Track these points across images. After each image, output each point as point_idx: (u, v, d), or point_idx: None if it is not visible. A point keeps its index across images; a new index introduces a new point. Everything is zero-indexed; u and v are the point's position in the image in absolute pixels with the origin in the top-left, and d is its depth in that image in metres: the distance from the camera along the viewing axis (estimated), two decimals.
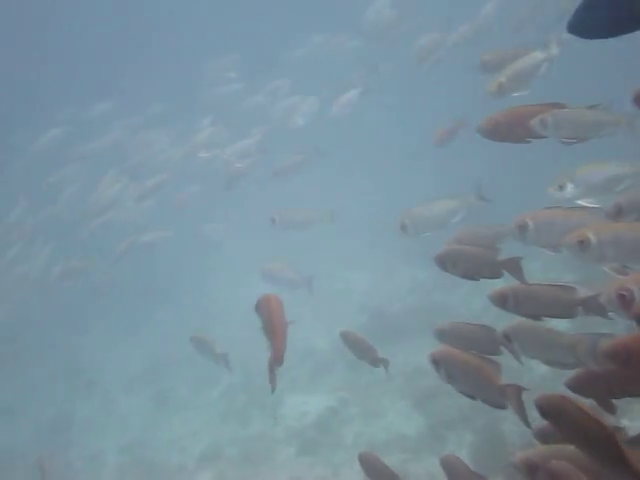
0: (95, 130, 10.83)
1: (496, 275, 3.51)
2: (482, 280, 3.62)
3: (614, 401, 2.69)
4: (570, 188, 3.74)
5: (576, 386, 2.72)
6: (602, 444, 2.22)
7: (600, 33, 2.28)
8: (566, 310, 3.15)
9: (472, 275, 3.61)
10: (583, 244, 2.92)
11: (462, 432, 6.50)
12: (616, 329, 2.98)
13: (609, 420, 2.45)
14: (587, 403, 2.39)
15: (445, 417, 6.80)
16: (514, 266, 3.48)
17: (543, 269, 8.40)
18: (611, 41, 2.37)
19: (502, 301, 3.30)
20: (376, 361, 4.66)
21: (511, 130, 3.55)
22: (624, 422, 4.65)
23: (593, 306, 3.01)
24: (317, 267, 11.68)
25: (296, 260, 7.17)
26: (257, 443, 7.57)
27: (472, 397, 3.18)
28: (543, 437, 2.79)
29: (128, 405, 9.68)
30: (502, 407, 3.07)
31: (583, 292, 3.08)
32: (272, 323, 3.19)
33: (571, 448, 2.44)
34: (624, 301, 2.56)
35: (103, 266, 9.57)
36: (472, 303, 8.73)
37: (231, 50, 12.29)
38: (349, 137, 12.26)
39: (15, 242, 9.82)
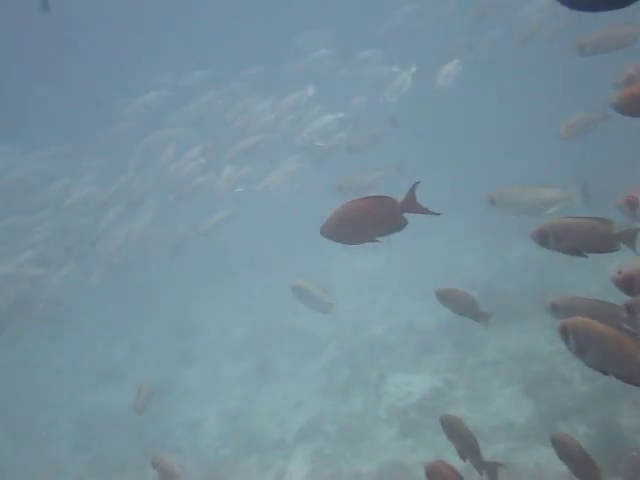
0: (193, 96, 10.87)
1: (611, 248, 3.27)
2: (599, 259, 3.41)
3: None
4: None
5: None
6: None
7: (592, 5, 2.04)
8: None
9: (580, 250, 3.38)
10: None
11: (575, 424, 6.22)
12: None
13: None
14: None
15: (557, 406, 6.53)
16: (631, 237, 3.25)
17: None
18: None
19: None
20: (478, 315, 4.42)
21: None
22: None
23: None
24: (425, 243, 11.63)
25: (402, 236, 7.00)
26: (358, 421, 7.52)
27: (605, 372, 2.92)
28: None
29: (230, 373, 9.83)
30: None
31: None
32: None
33: None
34: None
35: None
36: (590, 284, 8.34)
37: (324, 24, 12.27)
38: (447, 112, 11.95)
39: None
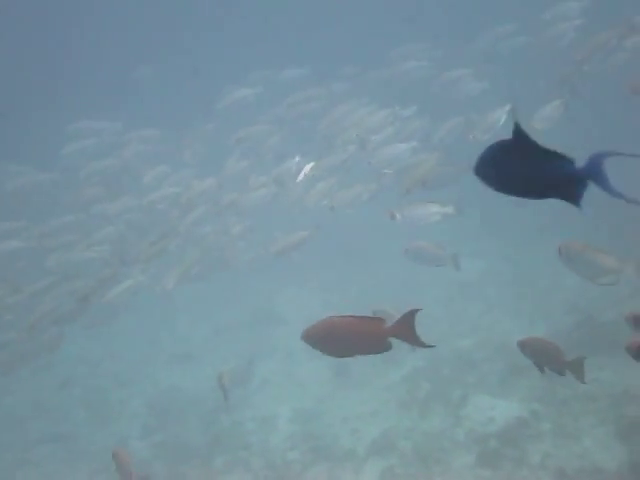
0: (287, 93, 10.67)
1: None
2: None
3: None
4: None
5: None
6: None
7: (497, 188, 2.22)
8: None
9: None
10: None
11: None
12: None
13: None
14: None
15: None
16: None
17: None
18: None
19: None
20: (564, 367, 4.16)
21: None
22: None
23: None
24: (526, 255, 11.19)
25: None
26: (434, 441, 7.27)
27: None
28: None
29: (309, 370, 9.72)
30: None
31: None
32: None
33: None
34: None
35: None
36: None
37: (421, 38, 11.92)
38: None
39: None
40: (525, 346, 4.24)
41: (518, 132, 2.11)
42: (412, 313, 3.36)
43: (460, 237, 12.66)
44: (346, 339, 3.46)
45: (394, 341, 9.25)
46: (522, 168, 2.10)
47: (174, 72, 16.02)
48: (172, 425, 8.83)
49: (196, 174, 9.65)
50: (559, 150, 2.10)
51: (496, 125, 7.69)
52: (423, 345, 3.43)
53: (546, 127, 7.70)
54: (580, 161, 2.13)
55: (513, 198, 2.25)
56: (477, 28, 11.59)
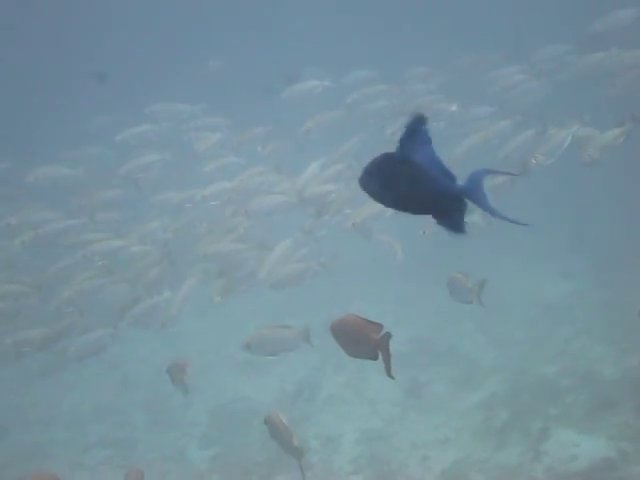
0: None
1: None
2: None
3: None
4: None
5: None
6: None
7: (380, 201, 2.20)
8: None
9: None
10: None
11: None
12: None
13: None
14: None
15: None
16: None
17: None
18: None
19: None
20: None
21: None
22: None
23: None
24: (616, 281, 10.57)
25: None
26: (510, 477, 6.82)
27: None
28: None
29: (379, 388, 9.35)
30: None
31: None
32: None
33: None
34: None
35: None
36: None
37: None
38: None
39: None
40: None
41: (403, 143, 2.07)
42: (386, 336, 3.56)
43: (546, 254, 12.14)
44: (351, 338, 3.71)
45: (472, 361, 8.81)
46: (403, 182, 2.08)
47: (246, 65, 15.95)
48: (233, 437, 8.61)
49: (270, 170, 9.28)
50: (443, 165, 2.07)
51: (560, 148, 7.17)
52: (388, 371, 3.60)
53: (603, 157, 7.16)
54: None
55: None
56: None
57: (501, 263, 11.83)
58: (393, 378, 3.59)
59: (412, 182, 2.07)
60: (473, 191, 2.04)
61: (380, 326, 3.61)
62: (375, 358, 3.62)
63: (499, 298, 10.33)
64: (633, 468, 6.52)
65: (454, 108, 9.59)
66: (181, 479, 7.95)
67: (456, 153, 8.09)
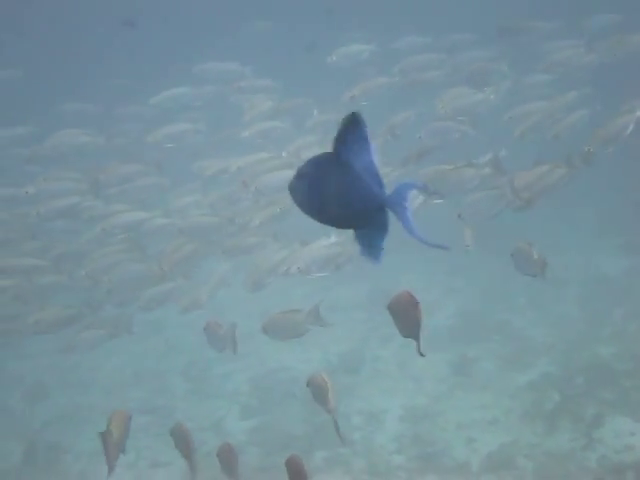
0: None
1: None
2: None
3: None
4: None
5: None
6: None
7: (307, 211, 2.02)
8: None
9: None
10: None
11: None
12: None
13: None
14: None
15: None
16: None
17: None
18: None
19: None
20: None
21: None
22: None
23: None
24: None
25: None
26: (559, 465, 6.54)
27: None
28: None
29: (426, 363, 9.06)
30: None
31: None
32: None
33: None
34: None
35: None
36: None
37: None
38: None
39: None
40: None
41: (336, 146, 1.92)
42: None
43: (606, 228, 11.70)
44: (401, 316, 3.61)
45: (524, 338, 8.49)
46: (333, 186, 1.94)
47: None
48: (273, 409, 8.46)
49: (319, 141, 8.83)
50: (376, 171, 1.93)
51: (623, 133, 6.60)
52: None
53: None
54: None
55: None
56: None
57: (558, 235, 11.41)
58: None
59: (342, 185, 1.93)
60: (396, 202, 1.92)
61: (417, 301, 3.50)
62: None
63: (554, 272, 9.97)
64: None
65: (505, 68, 9.10)
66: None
67: (521, 128, 7.67)
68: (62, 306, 7.18)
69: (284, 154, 7.96)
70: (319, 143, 8.12)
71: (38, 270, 7.27)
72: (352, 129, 1.90)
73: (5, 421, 8.89)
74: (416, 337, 3.49)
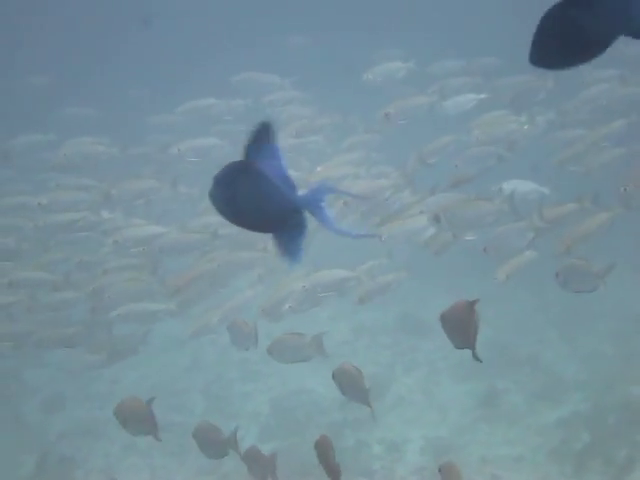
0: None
1: None
2: None
3: None
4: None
5: None
6: None
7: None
8: None
9: None
10: None
11: None
12: None
13: None
14: None
15: None
16: None
17: None
18: None
19: None
20: None
21: None
22: None
23: None
24: None
25: None
26: None
27: None
28: None
29: (450, 392, 8.95)
30: None
31: None
32: None
33: None
34: None
35: None
36: None
37: None
38: None
39: None
40: None
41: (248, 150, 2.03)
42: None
43: None
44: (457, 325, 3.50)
45: (553, 374, 8.30)
46: (247, 191, 2.04)
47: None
48: (293, 432, 8.31)
49: (354, 160, 8.61)
50: (287, 175, 2.04)
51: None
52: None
53: None
54: None
55: None
56: None
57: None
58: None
59: (256, 191, 2.03)
60: (311, 203, 2.02)
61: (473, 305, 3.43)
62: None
63: (587, 306, 9.77)
64: None
65: (550, 84, 8.87)
66: (235, 472, 7.71)
67: (560, 158, 7.53)
68: (64, 325, 7.13)
69: (319, 169, 7.81)
70: (354, 162, 7.98)
71: (49, 284, 7.18)
72: (261, 136, 2.00)
73: (20, 431, 8.85)
74: (472, 345, 3.42)
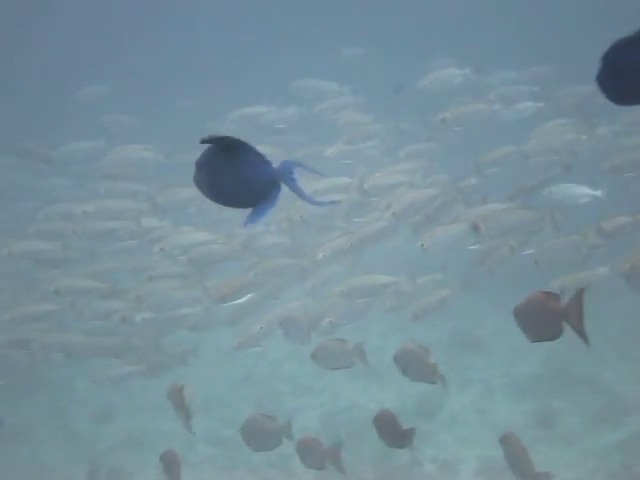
0: None
1: None
2: None
3: None
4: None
5: None
6: None
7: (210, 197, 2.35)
8: None
9: None
10: None
11: None
12: None
13: None
14: None
15: None
16: None
17: None
18: None
19: None
20: None
21: None
22: None
23: None
24: None
25: None
26: None
27: None
28: None
29: (506, 412, 8.78)
30: None
31: None
32: None
33: None
34: None
35: None
36: None
37: None
38: None
39: None
40: None
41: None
42: (581, 292, 3.28)
43: None
44: (535, 316, 3.45)
45: (613, 393, 8.11)
46: (228, 171, 2.23)
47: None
48: (343, 450, 8.21)
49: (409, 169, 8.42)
50: (259, 152, 2.23)
51: None
52: (583, 334, 3.35)
53: None
54: None
55: None
56: None
57: None
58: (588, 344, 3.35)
59: (237, 168, 2.21)
60: (285, 175, 2.26)
61: (558, 295, 3.38)
62: (558, 335, 3.42)
63: None
64: None
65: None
66: None
67: (611, 164, 7.35)
68: (110, 333, 7.15)
69: (378, 175, 7.69)
70: (410, 170, 7.83)
71: (96, 292, 7.21)
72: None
73: (70, 442, 8.92)
74: (580, 329, 3.39)
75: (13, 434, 9.05)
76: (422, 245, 6.16)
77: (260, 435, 4.85)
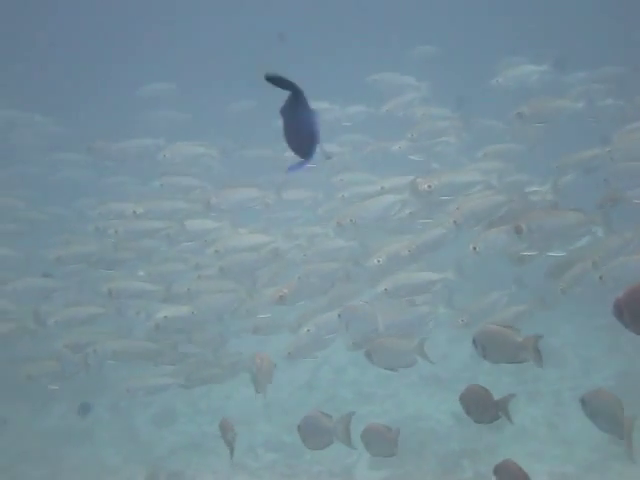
0: None
1: None
2: None
3: None
4: None
5: None
6: None
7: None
8: None
9: None
10: None
11: None
12: None
13: None
14: None
15: None
16: None
17: None
18: None
19: None
20: None
21: None
22: None
23: None
24: None
25: None
26: None
27: None
28: None
29: (579, 426, 8.39)
30: None
31: None
32: None
33: None
34: None
35: None
36: None
37: None
38: None
39: None
40: None
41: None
42: None
43: None
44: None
45: None
46: (298, 116, 2.41)
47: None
48: (406, 461, 8.03)
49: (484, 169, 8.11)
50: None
51: None
52: None
53: None
54: None
55: None
56: None
57: None
58: None
59: (294, 119, 2.41)
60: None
61: None
62: None
63: None
64: None
65: None
66: None
67: None
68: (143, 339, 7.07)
69: (449, 173, 7.37)
70: (488, 169, 7.50)
71: (150, 295, 7.15)
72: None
73: (131, 445, 8.94)
74: None
75: (74, 434, 9.15)
76: (474, 248, 5.92)
77: (317, 432, 4.67)
